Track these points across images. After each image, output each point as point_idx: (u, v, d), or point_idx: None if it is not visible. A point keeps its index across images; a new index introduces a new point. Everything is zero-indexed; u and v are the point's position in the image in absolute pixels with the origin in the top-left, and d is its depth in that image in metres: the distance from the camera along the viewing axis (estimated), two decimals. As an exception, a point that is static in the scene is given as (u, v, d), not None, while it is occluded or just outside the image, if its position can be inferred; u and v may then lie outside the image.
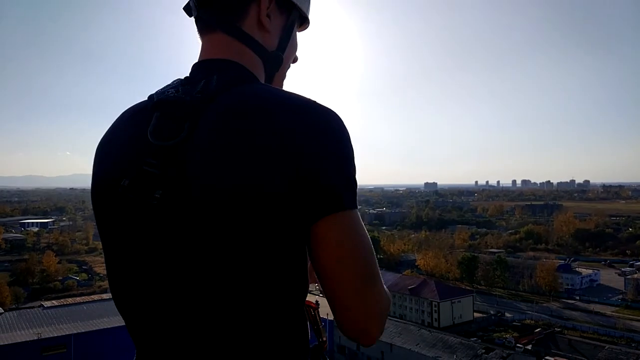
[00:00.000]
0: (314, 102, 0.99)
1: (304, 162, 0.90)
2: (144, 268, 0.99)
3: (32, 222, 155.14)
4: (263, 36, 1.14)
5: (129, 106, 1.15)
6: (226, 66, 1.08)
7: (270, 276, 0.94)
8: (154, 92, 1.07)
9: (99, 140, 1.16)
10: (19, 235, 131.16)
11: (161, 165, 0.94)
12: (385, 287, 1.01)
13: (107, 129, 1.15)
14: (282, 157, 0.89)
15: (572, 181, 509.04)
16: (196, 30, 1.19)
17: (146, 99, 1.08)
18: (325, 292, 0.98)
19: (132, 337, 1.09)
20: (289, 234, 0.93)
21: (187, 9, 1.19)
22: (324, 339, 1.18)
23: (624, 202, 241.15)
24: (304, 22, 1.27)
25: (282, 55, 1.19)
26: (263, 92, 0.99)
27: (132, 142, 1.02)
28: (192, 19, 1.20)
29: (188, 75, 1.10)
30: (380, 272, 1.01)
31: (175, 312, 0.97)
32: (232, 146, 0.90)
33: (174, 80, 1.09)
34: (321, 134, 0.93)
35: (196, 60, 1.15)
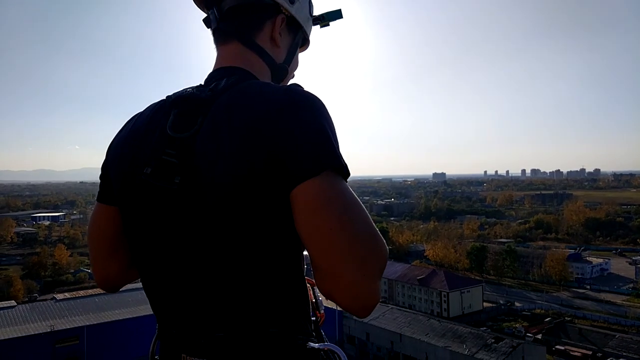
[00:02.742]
0: (292, 88, 1.12)
1: (279, 139, 1.01)
2: (166, 245, 1.13)
3: (44, 216, 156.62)
4: (273, 50, 1.33)
5: (148, 105, 1.30)
6: (235, 71, 1.24)
7: (271, 247, 1.06)
8: (171, 93, 1.23)
9: (115, 134, 1.33)
10: (31, 229, 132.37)
11: (179, 155, 1.09)
12: (378, 240, 1.02)
13: (123, 125, 1.33)
14: (260, 137, 1.01)
15: (582, 170, 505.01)
16: (212, 41, 1.36)
17: (164, 98, 1.24)
18: (312, 261, 1.04)
19: (154, 311, 1.25)
20: (280, 207, 1.03)
21: (206, 21, 1.36)
22: (321, 313, 1.26)
23: (635, 190, 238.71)
24: (304, 43, 1.47)
25: (287, 67, 1.39)
26: (254, 85, 1.14)
27: (153, 135, 1.16)
28: (206, 29, 1.38)
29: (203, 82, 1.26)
30: (375, 231, 1.02)
31: (193, 281, 1.11)
32: (223, 134, 1.04)
33: (191, 86, 1.23)
34: (294, 112, 1.04)
35: (211, 69, 1.31)
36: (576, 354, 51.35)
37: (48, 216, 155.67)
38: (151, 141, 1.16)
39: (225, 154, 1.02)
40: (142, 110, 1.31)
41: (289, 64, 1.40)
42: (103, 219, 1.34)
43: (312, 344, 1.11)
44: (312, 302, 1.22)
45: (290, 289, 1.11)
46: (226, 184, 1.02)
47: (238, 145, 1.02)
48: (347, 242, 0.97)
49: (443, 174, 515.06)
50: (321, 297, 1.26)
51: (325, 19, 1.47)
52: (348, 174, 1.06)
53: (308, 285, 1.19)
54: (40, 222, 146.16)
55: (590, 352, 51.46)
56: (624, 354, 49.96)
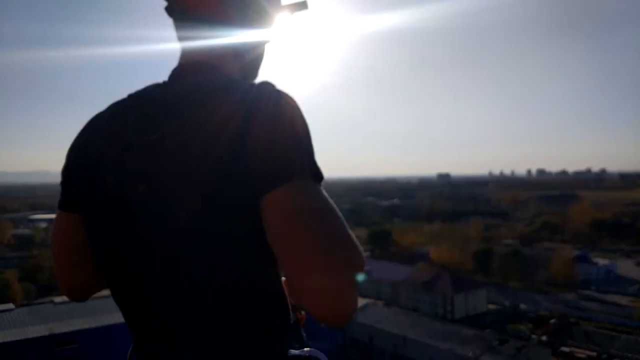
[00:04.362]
0: (263, 87, 1.04)
1: (248, 143, 0.94)
2: (133, 255, 1.06)
3: (40, 218, 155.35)
4: None
5: (107, 105, 1.22)
6: (200, 67, 1.16)
7: (244, 255, 1.00)
8: (133, 92, 1.17)
9: (75, 137, 1.24)
10: (28, 231, 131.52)
11: (142, 161, 1.02)
12: (353, 248, 0.93)
13: (83, 127, 1.23)
14: (228, 141, 0.95)
15: (589, 170, 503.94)
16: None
17: (125, 97, 1.17)
18: (284, 271, 0.98)
19: (126, 321, 1.17)
20: (251, 214, 0.96)
21: (169, 10, 1.25)
22: (302, 314, 1.21)
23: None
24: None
25: (259, 62, 1.34)
26: (222, 84, 1.08)
27: (115, 139, 1.09)
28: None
29: (166, 79, 1.18)
30: (350, 238, 0.93)
31: (163, 293, 1.04)
32: (192, 138, 0.98)
33: (152, 84, 1.17)
34: (264, 114, 0.97)
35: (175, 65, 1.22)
36: (581, 355, 50.79)
37: (45, 218, 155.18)
38: (113, 146, 1.09)
39: (192, 159, 0.96)
40: (102, 110, 1.22)
41: (259, 57, 1.34)
42: (66, 228, 1.26)
43: (292, 352, 1.07)
44: (291, 304, 1.15)
45: (267, 296, 1.06)
46: (193, 191, 0.96)
47: (205, 149, 0.95)
48: (317, 251, 0.89)
49: (447, 175, 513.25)
50: None
51: (290, 10, 1.37)
52: (321, 178, 0.99)
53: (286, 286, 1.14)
54: (37, 224, 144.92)
55: (595, 354, 50.86)
56: (630, 355, 49.36)
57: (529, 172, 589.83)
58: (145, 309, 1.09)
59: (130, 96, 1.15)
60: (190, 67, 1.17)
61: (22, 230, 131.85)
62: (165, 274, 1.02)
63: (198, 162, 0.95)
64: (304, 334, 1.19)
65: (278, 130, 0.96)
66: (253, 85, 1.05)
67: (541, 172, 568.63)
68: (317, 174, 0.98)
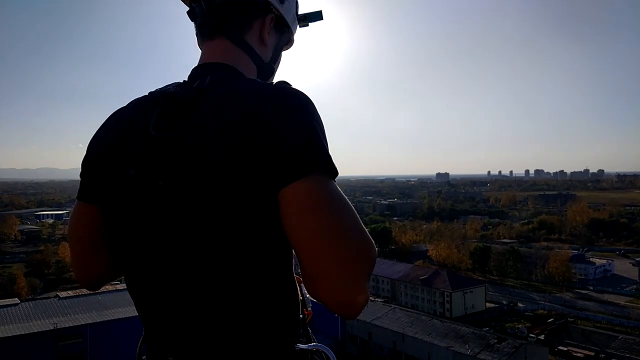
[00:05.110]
0: (280, 85, 1.10)
1: (268, 138, 0.99)
2: (150, 246, 1.10)
3: (47, 214, 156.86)
4: (261, 49, 1.31)
5: (128, 102, 1.28)
6: (221, 68, 1.21)
7: (260, 248, 1.04)
8: (154, 89, 1.21)
9: (96, 131, 1.29)
10: (35, 226, 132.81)
11: (162, 156, 1.06)
12: (367, 241, 1.00)
13: (105, 121, 1.29)
14: (248, 137, 0.99)
15: (586, 171, 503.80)
16: (196, 34, 1.34)
17: (146, 94, 1.22)
18: (300, 262, 1.02)
19: (139, 313, 1.22)
20: (268, 207, 1.01)
21: (191, 14, 1.32)
22: (308, 311, 1.24)
23: (639, 191, 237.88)
24: (288, 43, 1.46)
25: (274, 67, 1.39)
26: (241, 83, 1.12)
27: (136, 134, 1.14)
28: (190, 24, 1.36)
29: (187, 78, 1.23)
30: (364, 231, 1.01)
31: (179, 283, 1.08)
32: (211, 135, 1.02)
33: (173, 82, 1.21)
34: (282, 112, 1.02)
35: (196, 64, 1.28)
36: (579, 355, 51.29)
37: (52, 214, 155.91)
38: (134, 141, 1.13)
39: (212, 154, 1.00)
40: (124, 105, 1.28)
41: (275, 63, 1.40)
42: (84, 218, 1.29)
43: (300, 345, 1.10)
44: (299, 299, 1.20)
45: (279, 289, 1.10)
46: (213, 185, 1.00)
47: (225, 145, 1.00)
48: (334, 243, 0.96)
49: (446, 174, 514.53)
50: (308, 295, 1.25)
51: (306, 20, 1.48)
52: (336, 174, 1.04)
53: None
54: (44, 220, 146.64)
55: (592, 353, 51.38)
56: (627, 355, 49.89)
57: (527, 172, 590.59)
58: (159, 300, 1.13)
59: (152, 94, 1.19)
60: (209, 67, 1.22)
61: (29, 226, 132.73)
62: (180, 265, 1.06)
63: (216, 158, 1.00)
64: (310, 330, 1.23)
65: (295, 127, 1.01)
66: (270, 84, 1.11)
67: (539, 172, 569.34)
68: (332, 170, 1.02)
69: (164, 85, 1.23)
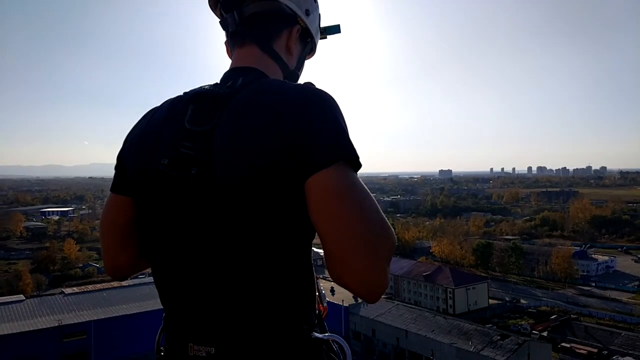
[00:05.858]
0: (308, 86, 1.19)
1: (297, 132, 1.07)
2: (179, 235, 1.16)
3: (53, 211, 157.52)
4: (287, 57, 1.42)
5: (166, 99, 1.36)
6: (252, 71, 1.30)
7: (283, 238, 1.10)
8: (189, 89, 1.30)
9: (131, 127, 1.38)
10: (40, 223, 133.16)
11: (196, 148, 1.13)
12: (387, 227, 1.07)
13: (140, 118, 1.38)
14: (278, 131, 1.07)
15: (589, 168, 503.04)
16: (226, 42, 1.46)
17: (181, 94, 1.30)
18: (324, 248, 1.07)
19: (162, 302, 1.28)
20: (293, 198, 1.08)
21: (223, 24, 1.43)
22: (324, 306, 1.31)
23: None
24: (311, 52, 1.56)
25: (298, 74, 1.50)
26: (271, 83, 1.21)
27: (171, 128, 1.21)
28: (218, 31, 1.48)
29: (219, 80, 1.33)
30: (384, 218, 1.07)
31: (203, 271, 1.14)
32: (243, 128, 1.10)
33: (206, 84, 1.29)
34: (310, 107, 1.11)
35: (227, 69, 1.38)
36: (582, 351, 51.20)
37: (57, 211, 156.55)
38: (169, 134, 1.20)
39: (244, 147, 1.07)
40: (158, 105, 1.36)
41: (299, 70, 1.50)
42: (116, 209, 1.37)
43: (316, 334, 1.15)
44: (316, 294, 1.25)
45: (298, 279, 1.15)
46: (243, 176, 1.06)
47: (256, 138, 1.07)
48: (360, 229, 1.01)
49: (449, 171, 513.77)
50: (324, 291, 1.31)
51: (325, 32, 1.59)
52: (360, 165, 1.10)
53: None
54: (49, 217, 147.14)
55: (596, 350, 51.26)
56: (630, 352, 49.84)
57: (529, 168, 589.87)
58: (183, 288, 1.19)
59: (186, 93, 1.27)
60: (241, 70, 1.30)
61: (35, 223, 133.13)
62: (207, 254, 1.12)
63: (247, 150, 1.07)
64: (325, 325, 1.28)
65: (322, 120, 1.09)
66: (298, 84, 1.22)
67: (542, 169, 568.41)
68: (356, 161, 1.09)
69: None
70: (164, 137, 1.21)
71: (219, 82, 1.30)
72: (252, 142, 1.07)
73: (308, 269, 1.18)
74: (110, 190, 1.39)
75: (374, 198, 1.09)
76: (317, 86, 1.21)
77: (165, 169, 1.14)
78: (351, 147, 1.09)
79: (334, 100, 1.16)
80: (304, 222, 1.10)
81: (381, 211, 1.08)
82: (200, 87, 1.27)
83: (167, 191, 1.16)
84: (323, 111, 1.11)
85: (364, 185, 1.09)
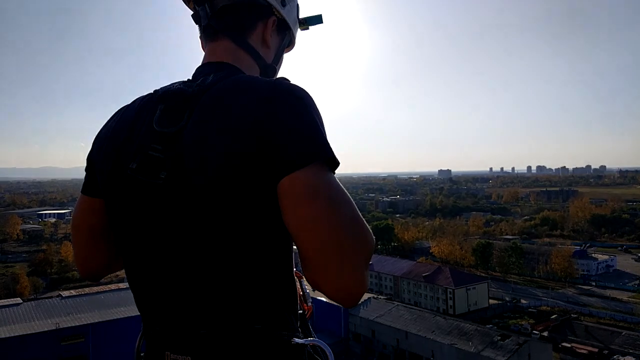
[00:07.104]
0: (280, 82, 1.12)
1: (268, 130, 1.01)
2: (151, 239, 1.12)
3: (50, 213, 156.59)
4: (263, 50, 1.36)
5: (130, 100, 1.32)
6: (224, 66, 1.25)
7: (259, 241, 1.07)
8: (158, 87, 1.24)
9: (101, 127, 1.33)
10: (37, 226, 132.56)
11: (165, 150, 1.09)
12: (365, 230, 1.02)
13: (110, 117, 1.33)
14: (248, 130, 1.01)
15: (588, 167, 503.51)
16: (200, 37, 1.39)
17: (151, 92, 1.25)
18: (299, 252, 1.04)
19: (138, 308, 1.24)
20: (267, 200, 1.04)
21: (195, 17, 1.37)
22: (309, 306, 1.27)
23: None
24: (290, 45, 1.50)
25: (276, 67, 1.43)
26: (241, 80, 1.14)
27: (139, 130, 1.16)
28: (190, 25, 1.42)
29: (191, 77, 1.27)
30: (361, 221, 1.02)
31: (177, 277, 1.10)
32: (211, 130, 1.05)
33: (177, 81, 1.24)
34: (282, 105, 1.05)
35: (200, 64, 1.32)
36: (582, 351, 51.18)
37: (54, 213, 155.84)
38: (137, 136, 1.15)
39: (213, 147, 1.03)
40: (129, 103, 1.31)
41: (277, 64, 1.43)
42: (87, 211, 1.33)
43: (297, 340, 1.11)
44: (299, 295, 1.22)
45: (277, 283, 1.11)
46: (214, 177, 1.02)
47: (226, 138, 1.02)
48: (332, 232, 0.97)
49: (449, 171, 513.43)
50: (308, 290, 1.27)
51: (306, 23, 1.52)
52: (337, 165, 1.06)
53: (296, 278, 1.19)
54: (46, 219, 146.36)
55: (596, 350, 51.25)
56: (631, 351, 49.74)
57: (529, 168, 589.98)
58: (157, 293, 1.15)
59: (156, 91, 1.22)
60: (213, 66, 1.26)
61: (31, 225, 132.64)
62: (179, 259, 1.09)
63: (216, 153, 1.02)
64: (310, 326, 1.23)
65: (295, 119, 1.04)
66: (271, 79, 1.14)
67: (541, 168, 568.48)
68: (332, 161, 1.04)
69: (169, 83, 1.24)
70: (133, 139, 1.16)
71: (190, 78, 1.25)
72: (221, 144, 1.02)
73: (288, 272, 1.14)
74: (81, 191, 1.35)
75: (351, 199, 1.03)
76: (293, 82, 1.14)
77: (134, 174, 1.11)
78: (326, 146, 1.04)
79: (309, 97, 1.11)
80: (281, 225, 1.04)
81: (358, 212, 1.02)
82: (171, 84, 1.22)
83: (137, 195, 1.12)
84: (296, 109, 1.05)
85: (341, 186, 1.03)
